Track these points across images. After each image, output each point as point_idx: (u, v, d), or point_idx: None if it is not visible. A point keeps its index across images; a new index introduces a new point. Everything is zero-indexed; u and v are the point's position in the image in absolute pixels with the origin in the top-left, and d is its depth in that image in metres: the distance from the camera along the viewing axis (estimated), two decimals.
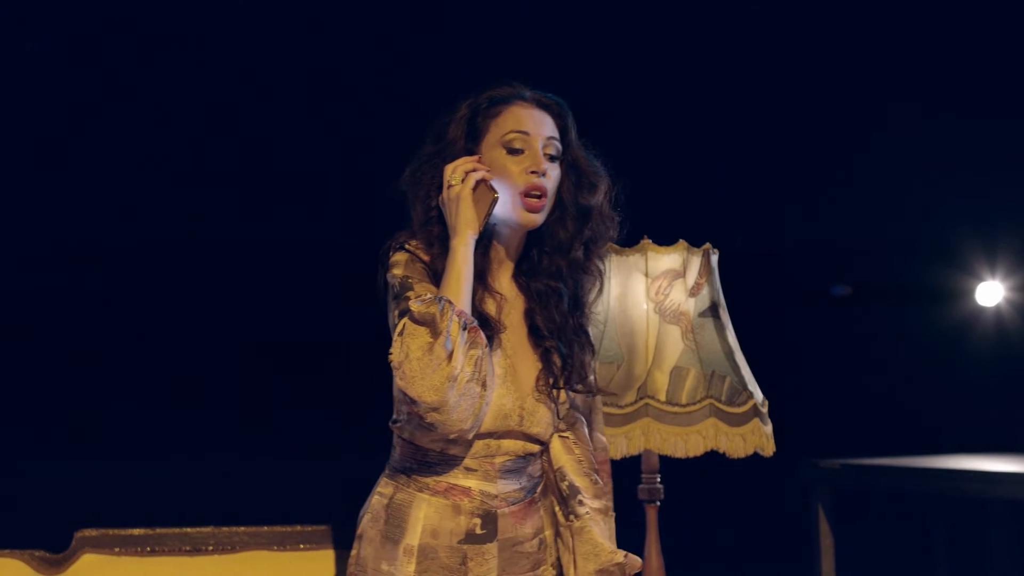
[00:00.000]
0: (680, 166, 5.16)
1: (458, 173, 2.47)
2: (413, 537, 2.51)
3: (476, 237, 2.47)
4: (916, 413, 5.64)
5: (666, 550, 3.35)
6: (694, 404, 3.39)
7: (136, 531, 3.74)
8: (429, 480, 2.53)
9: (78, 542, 3.70)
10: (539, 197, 2.50)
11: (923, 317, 5.71)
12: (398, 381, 2.40)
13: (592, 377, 2.63)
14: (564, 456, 2.62)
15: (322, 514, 3.86)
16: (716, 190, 5.15)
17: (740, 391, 3.39)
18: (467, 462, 2.52)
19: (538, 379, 2.56)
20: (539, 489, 2.63)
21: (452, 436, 2.43)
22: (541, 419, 2.55)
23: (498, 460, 2.54)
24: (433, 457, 2.52)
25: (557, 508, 2.62)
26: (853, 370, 5.59)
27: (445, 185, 2.48)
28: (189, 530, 3.76)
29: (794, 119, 5.28)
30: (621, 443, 3.27)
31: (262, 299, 4.98)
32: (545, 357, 2.57)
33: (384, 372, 2.49)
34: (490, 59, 4.86)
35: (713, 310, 3.44)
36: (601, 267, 2.64)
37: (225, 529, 3.77)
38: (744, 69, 5.19)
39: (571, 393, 2.61)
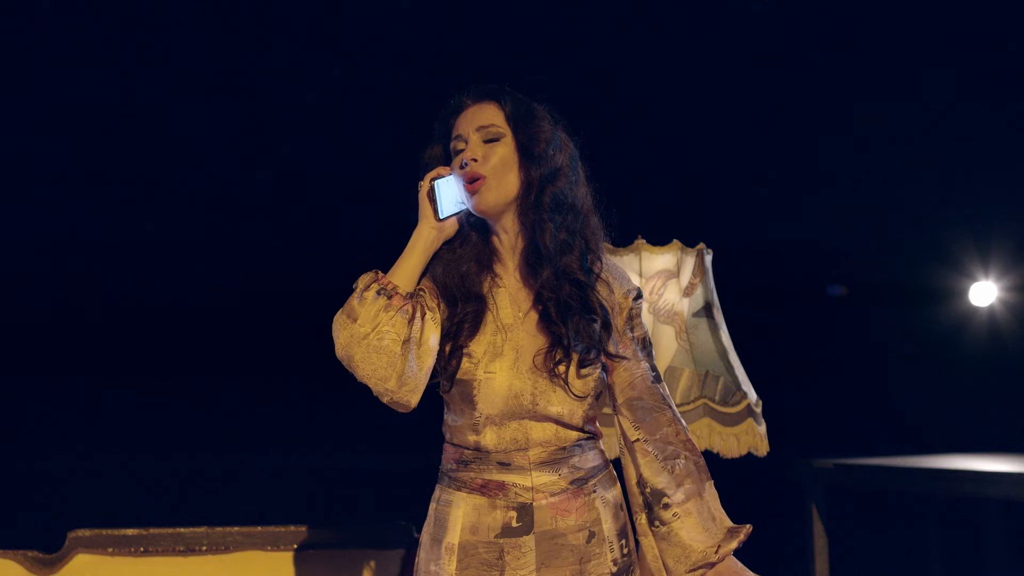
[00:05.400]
0: (674, 166, 5.16)
1: (425, 182, 2.63)
2: (454, 536, 2.57)
3: (432, 225, 2.61)
4: (910, 413, 5.63)
5: None
6: (688, 404, 3.39)
7: (129, 531, 3.74)
8: (466, 478, 2.59)
9: (71, 542, 3.70)
10: (473, 181, 2.59)
11: (917, 317, 5.71)
12: None
13: (604, 345, 2.61)
14: (639, 462, 2.65)
15: (316, 514, 3.86)
16: (710, 190, 5.14)
17: (734, 391, 3.39)
18: (500, 456, 2.57)
19: (544, 356, 2.57)
20: (594, 482, 2.63)
21: (385, 399, 2.52)
22: (556, 399, 2.57)
23: (532, 452, 2.58)
24: (469, 455, 2.59)
25: (643, 516, 2.64)
26: (847, 370, 5.58)
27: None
28: (183, 530, 3.76)
29: (788, 119, 5.28)
30: (614, 443, 3.27)
31: (258, 298, 4.97)
32: (553, 335, 2.58)
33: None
34: (482, 60, 4.86)
35: (707, 310, 3.44)
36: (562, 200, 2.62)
37: (219, 529, 3.77)
38: (738, 68, 5.19)
39: (624, 388, 2.65)
